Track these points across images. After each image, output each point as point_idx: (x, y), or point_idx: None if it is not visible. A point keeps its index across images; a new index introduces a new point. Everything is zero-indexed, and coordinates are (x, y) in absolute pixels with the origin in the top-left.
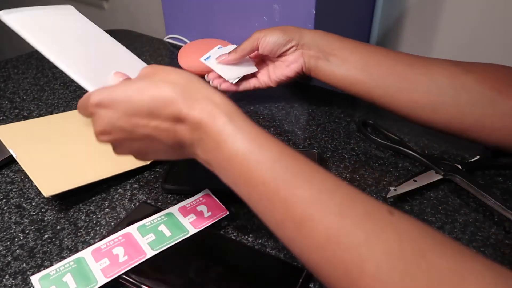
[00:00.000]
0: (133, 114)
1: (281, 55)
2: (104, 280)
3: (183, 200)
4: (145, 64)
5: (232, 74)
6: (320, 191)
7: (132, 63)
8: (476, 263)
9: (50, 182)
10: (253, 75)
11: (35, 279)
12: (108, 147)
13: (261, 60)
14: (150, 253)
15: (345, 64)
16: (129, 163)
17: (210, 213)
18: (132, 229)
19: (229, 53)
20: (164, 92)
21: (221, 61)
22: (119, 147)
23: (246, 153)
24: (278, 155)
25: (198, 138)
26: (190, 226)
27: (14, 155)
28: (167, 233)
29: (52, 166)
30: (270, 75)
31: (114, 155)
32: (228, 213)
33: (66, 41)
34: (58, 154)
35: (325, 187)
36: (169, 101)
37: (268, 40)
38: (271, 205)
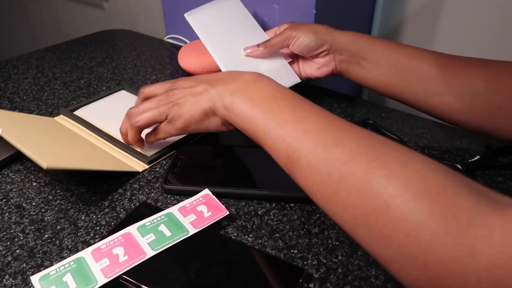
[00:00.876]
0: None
1: (312, 56)
2: (104, 280)
3: (183, 200)
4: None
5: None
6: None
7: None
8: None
9: (48, 155)
10: None
11: (35, 279)
12: (95, 152)
13: (290, 52)
14: (150, 253)
15: (377, 68)
16: (124, 165)
17: (210, 213)
18: (132, 229)
19: (257, 45)
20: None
21: (249, 54)
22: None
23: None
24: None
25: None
26: (190, 226)
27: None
28: (167, 233)
29: (51, 147)
30: (300, 70)
31: (116, 153)
32: (228, 213)
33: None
34: (59, 141)
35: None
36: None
37: (300, 41)
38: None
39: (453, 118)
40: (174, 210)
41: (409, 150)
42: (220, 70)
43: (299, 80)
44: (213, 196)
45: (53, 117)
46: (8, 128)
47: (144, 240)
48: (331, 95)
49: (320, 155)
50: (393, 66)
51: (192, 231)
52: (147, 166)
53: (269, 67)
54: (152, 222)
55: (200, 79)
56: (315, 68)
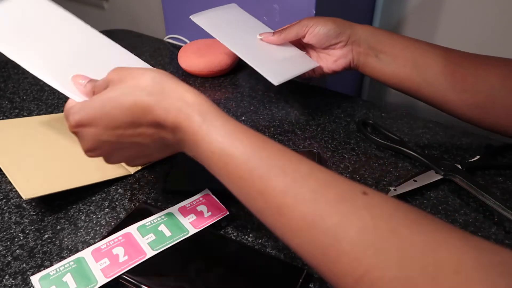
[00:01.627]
0: (116, 127)
1: (328, 47)
2: (104, 280)
3: (183, 200)
4: (142, 63)
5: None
6: (294, 179)
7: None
8: (449, 235)
9: (31, 182)
10: None
11: (35, 279)
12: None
13: (301, 47)
14: (150, 253)
15: (395, 62)
16: (114, 171)
17: (210, 213)
18: (132, 229)
19: (273, 33)
20: (140, 101)
21: (263, 39)
22: (110, 158)
23: (222, 150)
24: (251, 148)
25: (180, 139)
26: (190, 226)
27: None
28: (167, 233)
29: (33, 168)
30: (317, 69)
31: (102, 162)
32: (228, 213)
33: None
34: (41, 157)
35: (299, 175)
36: (147, 109)
37: (318, 30)
38: (250, 197)
39: (468, 115)
40: (174, 210)
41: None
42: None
43: (318, 64)
44: (213, 196)
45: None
46: (2, 146)
47: (144, 240)
48: (331, 95)
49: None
50: (411, 61)
51: (192, 231)
52: (139, 167)
53: (285, 56)
54: (152, 222)
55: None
56: (331, 61)
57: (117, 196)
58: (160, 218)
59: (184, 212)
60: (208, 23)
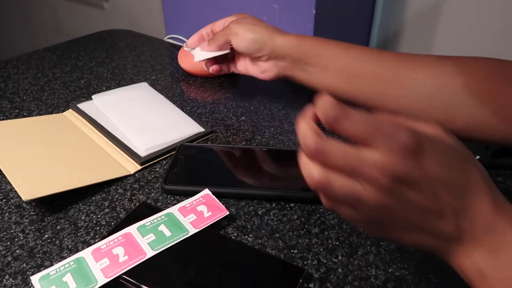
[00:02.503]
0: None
1: (253, 59)
2: (104, 280)
3: (183, 200)
4: (195, 123)
5: (202, 55)
6: None
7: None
8: None
9: (31, 182)
10: (232, 59)
11: (35, 279)
12: (91, 153)
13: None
14: (150, 253)
15: (324, 73)
16: (114, 171)
17: (210, 213)
18: (132, 229)
19: (208, 41)
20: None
21: (191, 47)
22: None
23: None
24: None
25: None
26: (190, 226)
27: None
28: (167, 233)
29: (33, 168)
30: (247, 69)
31: (102, 162)
32: (228, 213)
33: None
34: (41, 157)
35: None
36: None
37: (238, 44)
38: None
39: None
40: (174, 210)
41: None
42: None
43: (203, 130)
44: (213, 196)
45: (63, 111)
46: (2, 146)
47: (144, 240)
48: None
49: None
50: (342, 71)
51: (192, 231)
52: (139, 167)
53: (167, 126)
54: (152, 222)
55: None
56: (259, 72)
57: (117, 196)
58: (160, 218)
59: (184, 212)
60: (106, 102)
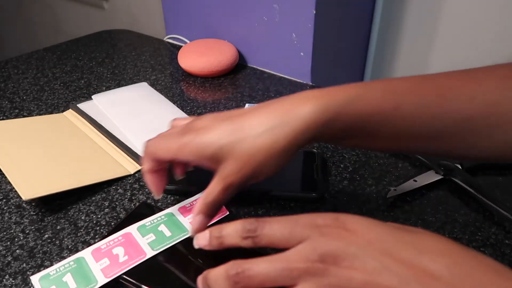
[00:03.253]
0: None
1: None
2: (104, 280)
3: (183, 200)
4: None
5: None
6: None
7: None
8: None
9: (31, 182)
10: None
11: (35, 279)
12: (91, 153)
13: None
14: (150, 253)
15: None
16: (114, 171)
17: None
18: (132, 229)
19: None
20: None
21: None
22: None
23: None
24: None
25: None
26: (190, 226)
27: None
28: (167, 233)
29: (33, 168)
30: None
31: (102, 162)
32: (228, 213)
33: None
34: (40, 157)
35: None
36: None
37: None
38: None
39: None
40: (174, 210)
41: None
42: None
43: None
44: None
45: (63, 111)
46: (2, 146)
47: (144, 240)
48: None
49: None
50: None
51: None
52: (139, 167)
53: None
54: (152, 222)
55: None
56: None
57: (117, 196)
58: (160, 218)
59: (184, 212)
60: (106, 101)
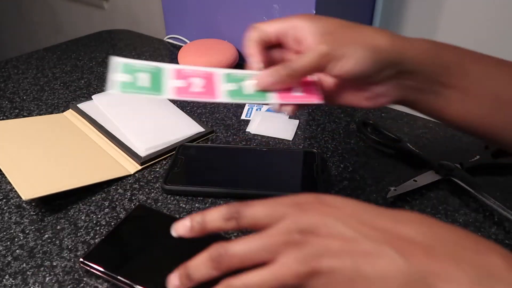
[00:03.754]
0: (368, 218)
1: (364, 83)
2: (171, 96)
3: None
4: (195, 123)
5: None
6: None
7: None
8: None
9: (31, 182)
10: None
11: (119, 60)
12: (91, 153)
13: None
14: (224, 99)
15: (465, 100)
16: (114, 171)
17: (302, 94)
18: (219, 71)
19: (273, 69)
20: None
21: (259, 82)
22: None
23: None
24: None
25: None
26: (275, 95)
27: None
28: (250, 91)
29: (33, 168)
30: (347, 97)
31: (102, 161)
32: (323, 102)
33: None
34: (40, 157)
35: None
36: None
37: (348, 66)
38: None
39: None
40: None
41: None
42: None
43: (203, 130)
44: (316, 85)
45: (63, 111)
46: (2, 146)
47: (225, 85)
48: None
49: None
50: (490, 97)
51: (273, 101)
52: (139, 167)
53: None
54: (242, 74)
55: (363, 221)
56: (363, 98)
57: (117, 196)
58: (249, 74)
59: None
60: (106, 103)
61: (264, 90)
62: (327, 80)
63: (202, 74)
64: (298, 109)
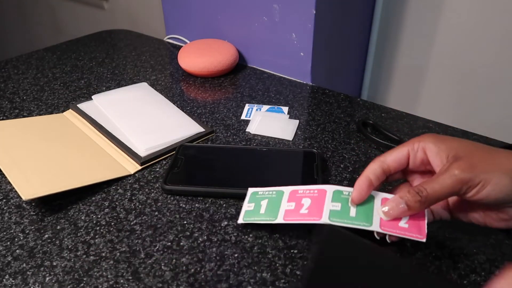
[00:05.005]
0: None
1: (499, 206)
2: (281, 220)
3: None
4: (195, 123)
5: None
6: None
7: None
8: None
9: (31, 182)
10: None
11: (251, 190)
12: (91, 153)
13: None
14: (324, 220)
15: None
16: (114, 171)
17: (406, 225)
18: (330, 189)
19: (400, 196)
20: None
21: (389, 213)
22: None
23: None
24: None
25: None
26: (377, 221)
27: None
28: (352, 213)
29: (33, 168)
30: (479, 217)
31: (102, 161)
32: (424, 240)
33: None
34: (40, 157)
35: None
36: None
37: (490, 192)
38: None
39: None
40: (377, 195)
41: None
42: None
43: (203, 130)
44: (425, 216)
45: (63, 111)
46: (2, 146)
47: (330, 205)
48: (331, 95)
49: None
50: None
51: (376, 228)
52: (139, 167)
53: (171, 127)
54: (349, 193)
55: None
56: (496, 219)
57: (117, 196)
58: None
59: (384, 201)
60: (105, 102)
61: (392, 218)
62: (454, 197)
63: (312, 193)
64: (397, 240)
